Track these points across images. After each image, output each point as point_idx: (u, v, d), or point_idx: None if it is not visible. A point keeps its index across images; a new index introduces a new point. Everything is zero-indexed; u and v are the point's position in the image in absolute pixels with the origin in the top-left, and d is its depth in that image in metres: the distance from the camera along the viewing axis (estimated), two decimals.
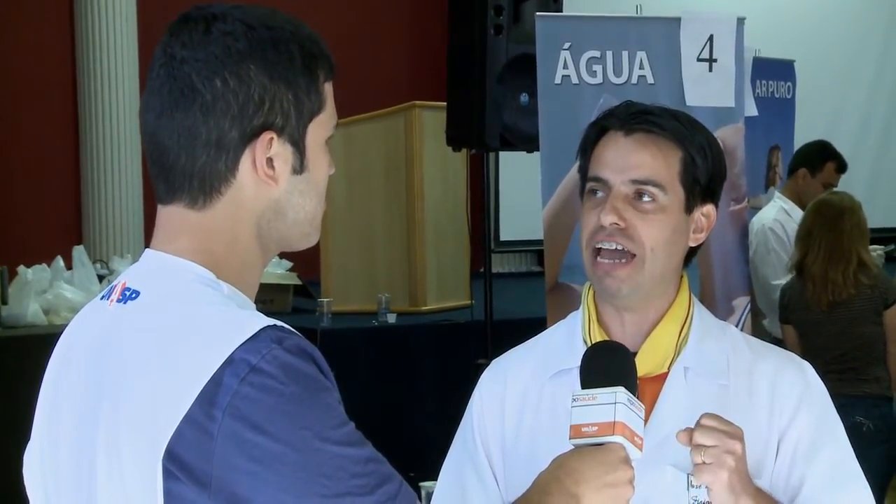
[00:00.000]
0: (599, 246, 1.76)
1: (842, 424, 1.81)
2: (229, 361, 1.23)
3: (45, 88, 8.72)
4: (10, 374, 4.71)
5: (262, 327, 1.26)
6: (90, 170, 8.62)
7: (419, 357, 5.72)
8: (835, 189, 5.12)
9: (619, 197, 1.76)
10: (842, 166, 5.51)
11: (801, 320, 4.75)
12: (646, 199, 1.76)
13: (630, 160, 1.77)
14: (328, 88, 1.41)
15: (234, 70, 1.32)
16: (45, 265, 5.94)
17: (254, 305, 1.39)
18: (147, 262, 1.39)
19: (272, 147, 1.35)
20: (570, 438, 1.51)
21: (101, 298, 1.41)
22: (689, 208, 1.80)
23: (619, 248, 1.75)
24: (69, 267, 6.06)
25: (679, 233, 1.79)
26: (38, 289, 5.71)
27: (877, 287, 4.62)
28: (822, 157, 5.49)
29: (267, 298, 6.31)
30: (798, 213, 5.24)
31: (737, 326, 2.11)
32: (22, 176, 8.67)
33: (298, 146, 1.37)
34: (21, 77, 8.65)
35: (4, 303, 5.66)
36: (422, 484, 3.26)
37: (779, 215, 5.35)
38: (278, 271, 6.62)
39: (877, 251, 5.90)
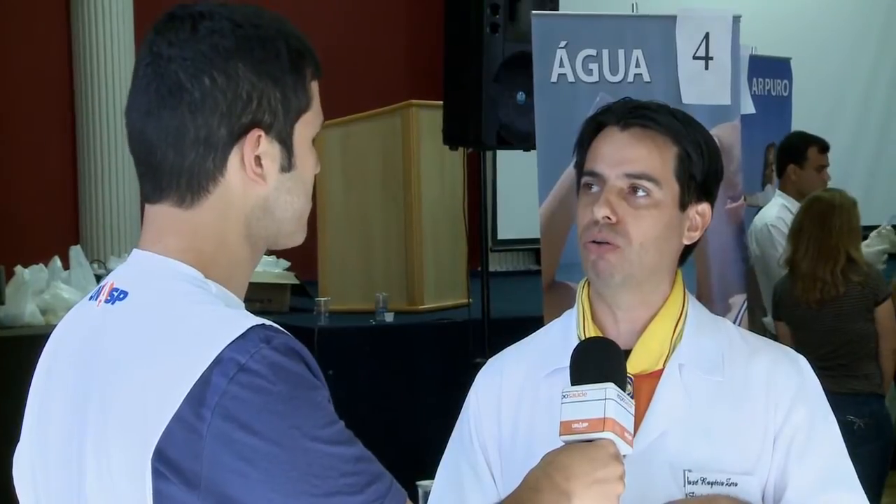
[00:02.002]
0: (592, 240, 1.77)
1: (835, 420, 1.82)
2: (218, 361, 1.23)
3: (42, 89, 8.71)
4: (8, 374, 4.70)
5: (250, 326, 1.26)
6: (87, 170, 8.61)
7: (417, 356, 5.72)
8: (829, 187, 5.11)
9: (613, 191, 1.76)
10: (824, 146, 5.50)
11: (791, 317, 4.76)
12: (640, 193, 1.76)
13: (625, 154, 1.77)
14: (315, 87, 1.41)
15: (221, 68, 1.32)
16: (42, 265, 5.95)
17: (242, 304, 1.39)
18: (135, 262, 1.39)
19: (260, 145, 1.35)
20: (560, 435, 1.52)
21: (90, 299, 1.41)
22: (683, 205, 1.80)
23: (609, 243, 1.76)
24: (66, 267, 6.06)
25: (672, 229, 1.79)
26: (35, 289, 5.71)
27: (867, 284, 4.63)
28: (802, 146, 5.47)
29: (265, 298, 6.31)
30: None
31: (733, 324, 2.10)
32: (19, 176, 8.66)
33: (286, 144, 1.37)
34: (18, 78, 8.65)
35: (2, 303, 5.67)
36: (419, 483, 3.25)
37: (781, 213, 5.35)
38: (276, 271, 6.62)
39: None
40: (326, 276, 6.44)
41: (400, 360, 5.70)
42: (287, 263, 6.80)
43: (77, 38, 8.60)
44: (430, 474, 1.93)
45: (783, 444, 1.75)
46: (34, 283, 5.72)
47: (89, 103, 8.56)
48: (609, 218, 1.74)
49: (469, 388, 1.93)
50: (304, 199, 1.41)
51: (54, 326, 1.47)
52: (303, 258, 6.33)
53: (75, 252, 6.13)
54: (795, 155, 5.46)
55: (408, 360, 5.71)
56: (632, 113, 1.80)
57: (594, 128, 1.84)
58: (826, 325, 4.61)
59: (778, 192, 5.54)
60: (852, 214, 4.71)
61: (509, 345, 1.97)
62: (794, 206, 5.32)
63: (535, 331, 1.98)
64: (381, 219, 6.23)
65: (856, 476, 1.78)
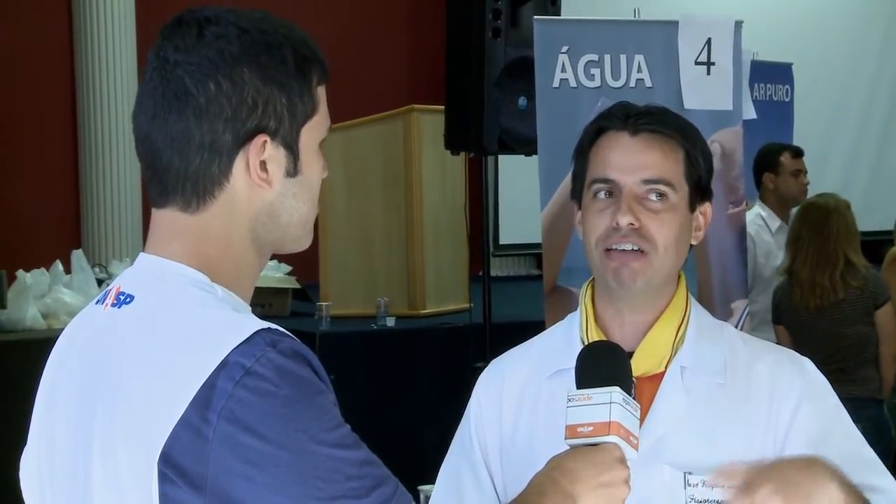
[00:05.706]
0: (614, 247, 1.76)
1: (847, 414, 1.81)
2: (223, 364, 1.24)
3: (44, 93, 8.72)
4: (9, 377, 4.71)
5: (256, 330, 1.26)
6: (89, 174, 8.63)
7: (418, 360, 5.72)
8: (822, 192, 5.10)
9: (631, 197, 1.76)
10: (797, 152, 5.48)
11: (791, 322, 4.77)
12: (658, 198, 1.77)
13: (639, 160, 1.77)
14: (321, 92, 1.41)
15: (227, 73, 1.33)
16: (43, 269, 5.94)
17: (249, 308, 1.39)
18: (141, 266, 1.39)
19: (265, 150, 1.35)
20: (565, 438, 1.52)
21: (96, 303, 1.41)
22: (692, 206, 1.81)
23: (635, 248, 1.75)
24: (68, 271, 6.06)
25: (685, 230, 1.80)
26: (36, 293, 5.71)
27: (866, 288, 4.64)
28: (775, 154, 5.45)
29: (266, 302, 6.31)
30: (774, 220, 5.31)
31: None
32: (21, 180, 8.67)
33: (292, 149, 1.37)
34: (20, 81, 8.66)
35: (3, 307, 5.66)
36: (420, 487, 3.25)
37: (756, 220, 5.30)
38: (277, 275, 6.62)
39: None
40: (328, 281, 6.44)
41: (401, 365, 5.70)
42: (288, 268, 6.81)
43: (79, 42, 8.62)
44: (431, 479, 1.93)
45: (797, 442, 1.73)
46: (36, 288, 5.72)
47: (91, 107, 8.57)
48: (633, 224, 1.75)
49: (470, 392, 1.93)
50: (309, 204, 1.41)
51: (56, 330, 1.47)
52: (304, 262, 6.34)
53: (77, 256, 6.13)
54: (769, 163, 5.44)
55: (409, 365, 5.71)
56: (640, 118, 1.80)
57: (594, 134, 1.84)
58: (825, 330, 4.62)
59: (758, 201, 5.51)
60: (848, 217, 4.73)
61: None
62: (771, 215, 5.34)
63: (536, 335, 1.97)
64: (382, 223, 6.24)
65: (880, 462, 1.77)
